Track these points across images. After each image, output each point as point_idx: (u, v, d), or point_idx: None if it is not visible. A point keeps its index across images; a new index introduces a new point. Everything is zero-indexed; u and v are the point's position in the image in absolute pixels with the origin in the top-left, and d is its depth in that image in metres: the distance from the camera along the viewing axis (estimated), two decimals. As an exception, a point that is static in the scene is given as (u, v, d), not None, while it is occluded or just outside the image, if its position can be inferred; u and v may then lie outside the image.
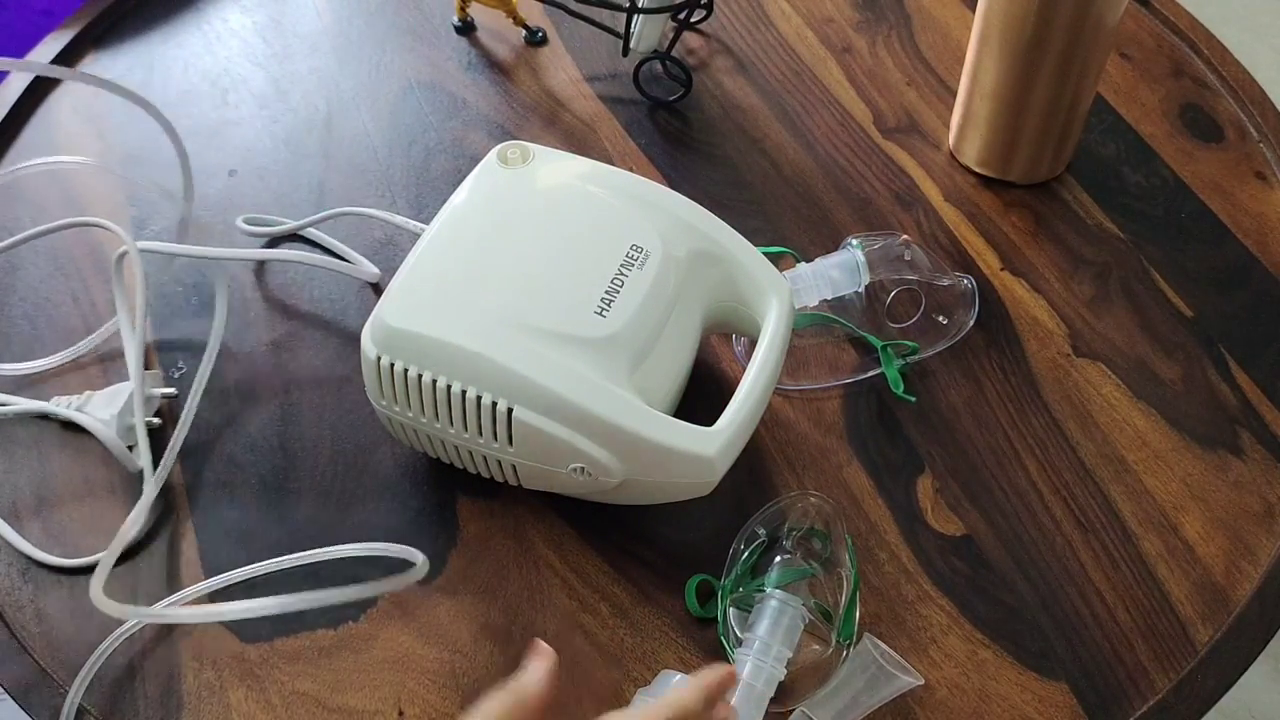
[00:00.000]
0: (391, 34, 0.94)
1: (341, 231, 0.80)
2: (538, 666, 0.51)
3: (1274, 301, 0.77)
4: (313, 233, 0.80)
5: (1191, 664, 0.62)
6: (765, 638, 0.58)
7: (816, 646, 0.59)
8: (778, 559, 0.61)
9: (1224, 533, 0.66)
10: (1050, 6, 0.72)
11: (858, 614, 0.62)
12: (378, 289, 0.77)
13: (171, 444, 0.66)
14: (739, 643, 0.59)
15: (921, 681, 0.60)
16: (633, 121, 0.87)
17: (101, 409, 0.68)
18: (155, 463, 0.67)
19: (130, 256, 0.71)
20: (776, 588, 0.59)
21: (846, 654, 0.60)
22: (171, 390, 0.71)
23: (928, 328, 0.73)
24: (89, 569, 0.64)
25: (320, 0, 0.97)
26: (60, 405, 0.69)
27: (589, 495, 0.63)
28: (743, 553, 0.62)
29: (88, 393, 0.70)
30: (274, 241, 0.80)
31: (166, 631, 0.62)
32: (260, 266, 0.79)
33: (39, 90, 0.89)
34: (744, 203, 0.82)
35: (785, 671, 0.58)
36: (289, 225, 0.79)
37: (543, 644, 0.52)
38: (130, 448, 0.68)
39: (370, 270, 0.77)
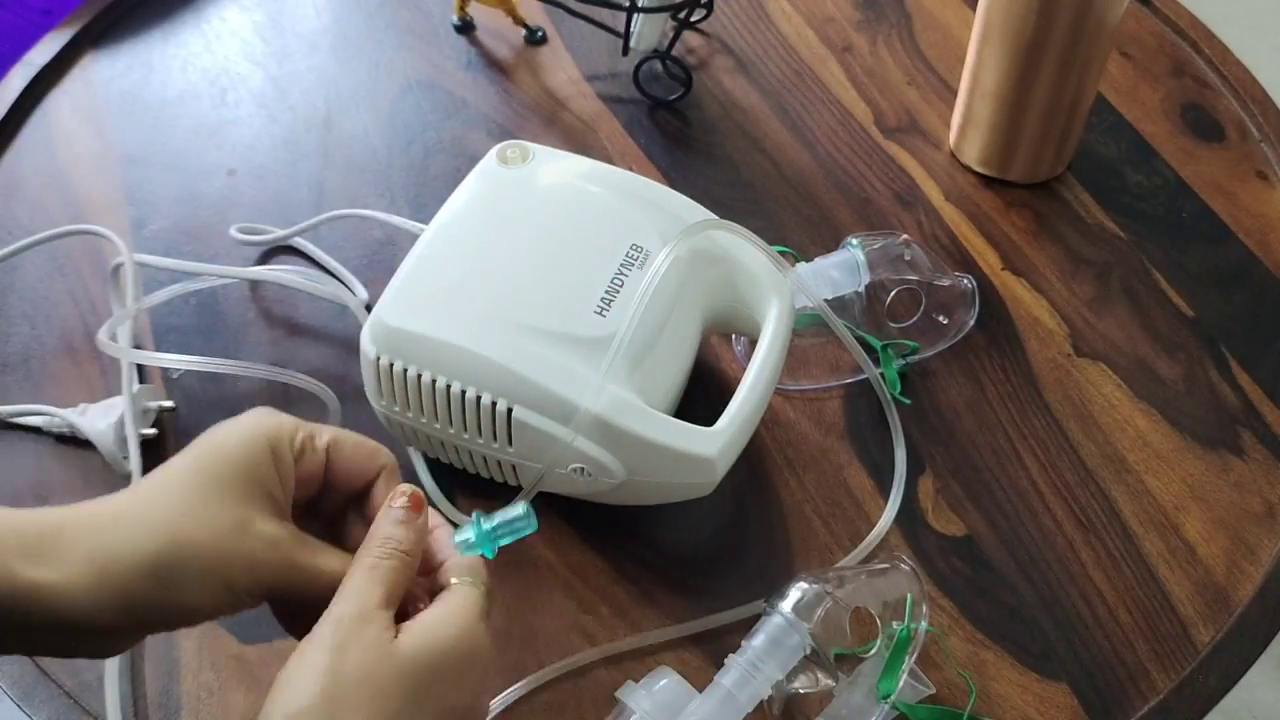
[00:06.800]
0: (391, 33, 0.94)
1: (340, 232, 0.79)
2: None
3: (1275, 301, 0.76)
4: (307, 245, 0.78)
5: (1193, 664, 0.61)
6: (759, 654, 0.56)
7: (823, 678, 0.57)
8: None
9: (1225, 533, 0.66)
10: (1051, 5, 0.72)
11: (903, 672, 0.57)
12: (368, 308, 0.76)
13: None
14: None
15: (932, 691, 0.59)
16: (633, 121, 0.87)
17: (99, 419, 0.68)
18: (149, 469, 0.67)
19: (125, 268, 0.70)
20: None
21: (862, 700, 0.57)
22: (169, 403, 0.70)
23: (928, 328, 0.73)
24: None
25: (319, -1, 0.97)
26: (58, 415, 0.69)
27: (589, 495, 0.63)
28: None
29: (83, 405, 0.69)
30: (268, 252, 0.79)
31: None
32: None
33: (38, 88, 0.89)
34: (744, 202, 0.82)
35: (770, 691, 0.56)
36: (279, 235, 0.78)
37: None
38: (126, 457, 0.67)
39: (358, 295, 0.76)
